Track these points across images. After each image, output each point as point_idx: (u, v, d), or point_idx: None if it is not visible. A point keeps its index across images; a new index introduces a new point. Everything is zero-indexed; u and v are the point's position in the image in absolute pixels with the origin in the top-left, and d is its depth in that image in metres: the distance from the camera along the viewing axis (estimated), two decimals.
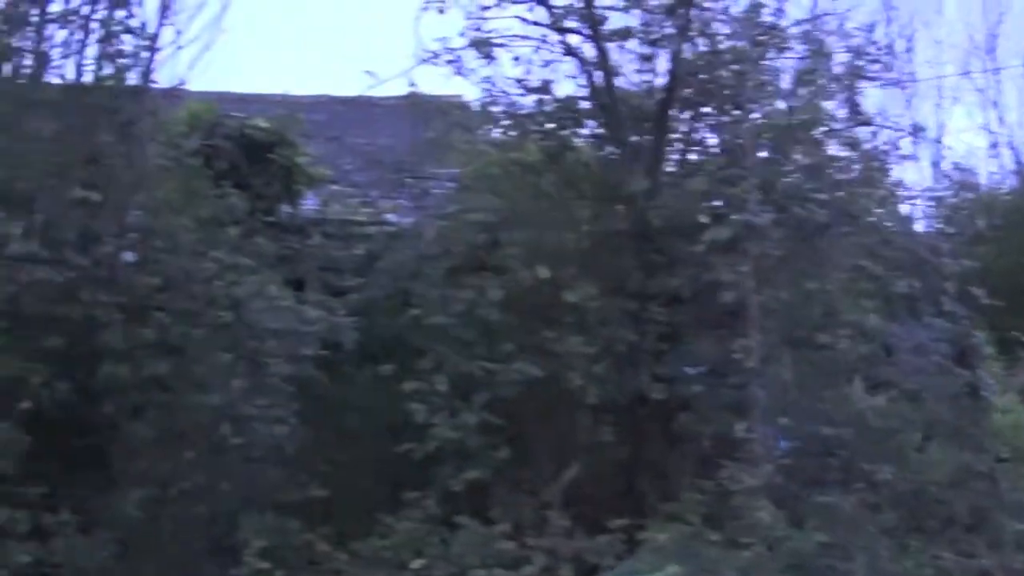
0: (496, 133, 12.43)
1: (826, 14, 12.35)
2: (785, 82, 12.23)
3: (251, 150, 12.43)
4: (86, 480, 10.41)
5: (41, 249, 9.87)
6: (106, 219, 10.57)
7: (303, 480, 10.41)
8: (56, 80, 11.05)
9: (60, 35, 11.03)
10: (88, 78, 11.00)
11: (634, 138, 11.83)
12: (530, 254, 11.10)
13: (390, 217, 12.79)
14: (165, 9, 11.21)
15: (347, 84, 18.95)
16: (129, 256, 10.73)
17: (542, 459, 11.05)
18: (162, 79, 11.30)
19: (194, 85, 11.71)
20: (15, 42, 10.89)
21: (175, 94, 11.54)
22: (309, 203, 12.98)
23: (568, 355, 10.79)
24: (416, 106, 12.18)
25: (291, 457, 10.36)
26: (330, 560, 10.41)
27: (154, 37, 11.17)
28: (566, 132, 12.04)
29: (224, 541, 10.21)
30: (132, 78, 11.11)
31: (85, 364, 10.30)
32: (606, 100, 11.81)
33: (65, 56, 11.03)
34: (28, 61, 10.97)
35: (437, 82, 12.03)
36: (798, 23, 12.17)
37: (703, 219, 10.94)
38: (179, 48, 11.29)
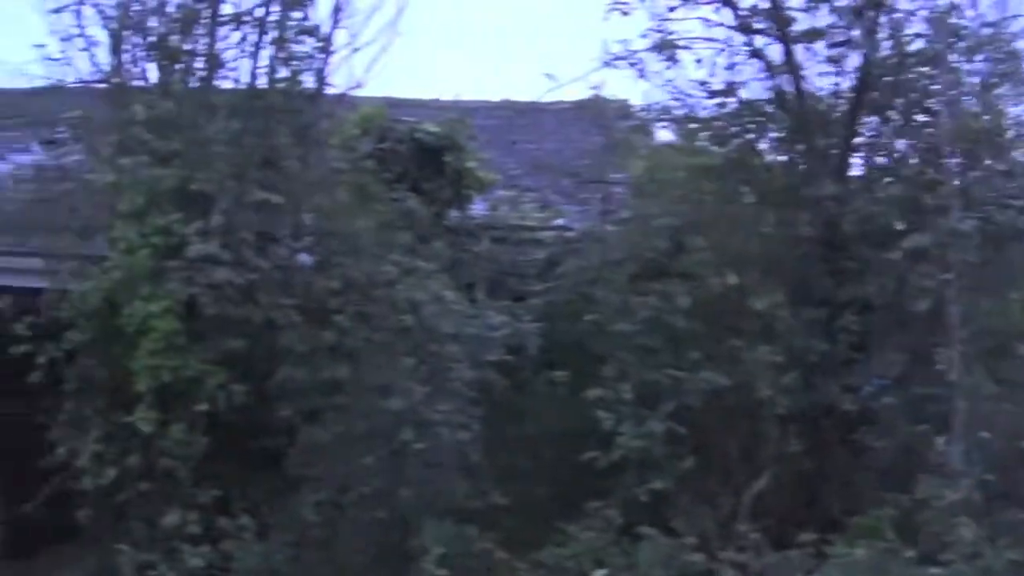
0: (679, 137, 12.11)
1: (1016, 16, 11.88)
2: (974, 85, 11.78)
3: (421, 154, 12.33)
4: (260, 483, 10.31)
5: (221, 251, 9.73)
6: (283, 221, 10.47)
7: (484, 487, 10.15)
8: (229, 83, 11.02)
9: (233, 37, 10.99)
10: (262, 81, 10.92)
11: (821, 142, 11.45)
12: (716, 260, 10.76)
13: (561, 222, 12.59)
14: (338, 11, 11.10)
15: (512, 90, 18.64)
16: (305, 258, 10.61)
17: (727, 469, 10.69)
18: (336, 82, 11.22)
19: (363, 89, 11.59)
20: (188, 45, 10.84)
21: (349, 98, 11.41)
22: (478, 207, 12.81)
23: (755, 364, 10.42)
24: (596, 110, 11.91)
25: (473, 463, 10.12)
26: (509, 569, 10.14)
27: (328, 39, 11.06)
28: (750, 136, 11.69)
29: (400, 547, 10.01)
30: (307, 81, 11.02)
31: (262, 367, 10.21)
32: (792, 103, 11.45)
33: (239, 59, 10.99)
34: (201, 64, 10.92)
35: (617, 85, 11.78)
36: (988, 25, 11.71)
37: (899, 225, 10.55)
38: (354, 51, 11.17)
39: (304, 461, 10.04)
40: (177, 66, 10.79)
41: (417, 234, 10.92)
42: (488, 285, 11.27)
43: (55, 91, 11.26)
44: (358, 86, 11.19)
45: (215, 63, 10.86)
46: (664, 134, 12.23)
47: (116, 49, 10.97)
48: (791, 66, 11.46)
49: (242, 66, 10.91)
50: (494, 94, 15.70)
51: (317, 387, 9.93)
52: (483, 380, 10.27)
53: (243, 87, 10.87)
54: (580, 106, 12.50)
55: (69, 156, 11.33)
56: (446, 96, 15.17)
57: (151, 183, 9.97)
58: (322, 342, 9.92)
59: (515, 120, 14.67)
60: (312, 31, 10.91)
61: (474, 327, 10.35)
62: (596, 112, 12.06)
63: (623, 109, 12.03)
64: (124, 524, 10.43)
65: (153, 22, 10.88)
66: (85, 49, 11.08)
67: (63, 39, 11.10)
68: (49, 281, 10.90)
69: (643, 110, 11.87)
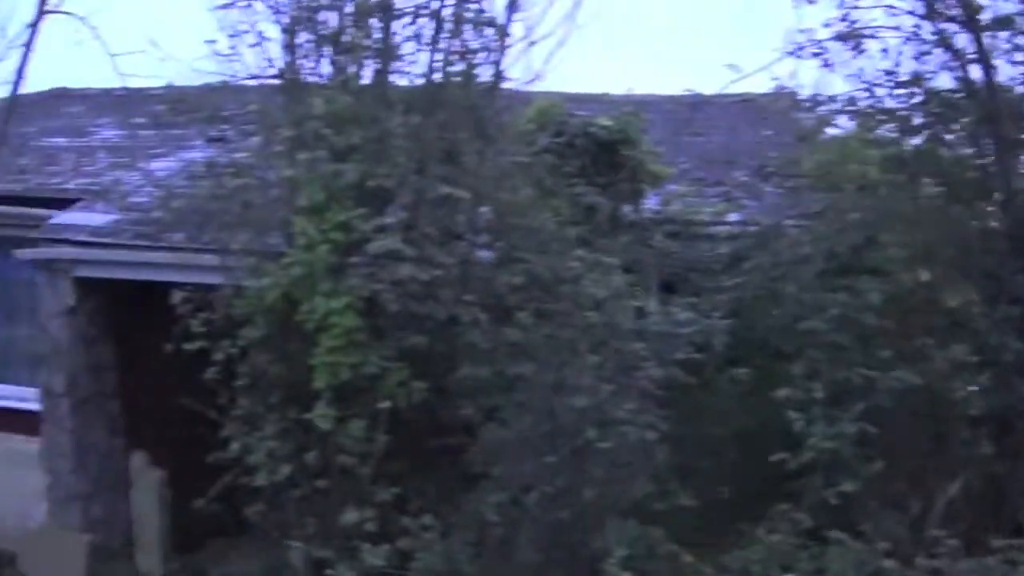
0: (864, 129, 11.74)
1: None
2: None
3: (595, 149, 12.15)
4: (437, 482, 10.18)
5: (404, 247, 9.59)
6: (464, 216, 10.31)
7: (671, 488, 9.90)
8: (405, 77, 10.90)
9: (408, 31, 10.85)
10: (438, 75, 10.78)
11: (1011, 133, 11.02)
12: (907, 255, 10.41)
13: (736, 216, 12.32)
14: (514, 3, 10.92)
15: (683, 83, 18.38)
16: (485, 254, 10.45)
17: (916, 472, 10.34)
18: (513, 75, 11.05)
19: (540, 83, 11.41)
20: (365, 39, 10.72)
21: (526, 91, 11.24)
22: (650, 202, 12.58)
23: (948, 363, 10.05)
24: (778, 101, 11.60)
25: (659, 464, 9.87)
26: (694, 572, 9.89)
27: (505, 32, 10.88)
28: (938, 127, 11.30)
29: (583, 548, 9.81)
30: (483, 74, 10.86)
31: (441, 364, 10.07)
32: (982, 93, 11.03)
33: (415, 52, 10.85)
34: (376, 58, 10.81)
35: (800, 76, 11.44)
36: None
37: None
38: (531, 44, 10.98)
39: (485, 459, 9.87)
40: (352, 61, 10.66)
41: (598, 229, 10.70)
42: (668, 281, 11.02)
43: (223, 88, 11.21)
44: (536, 79, 11.00)
45: (391, 57, 10.72)
46: (847, 125, 11.84)
47: (289, 44, 10.89)
48: (980, 55, 11.03)
49: (418, 60, 10.76)
50: (664, 88, 15.49)
51: (499, 385, 9.74)
52: (669, 378, 9.99)
53: (420, 81, 10.70)
54: (758, 98, 12.15)
55: (239, 152, 11.26)
56: (617, 90, 15.01)
57: (330, 178, 9.85)
58: (505, 339, 9.71)
59: (683, 114, 14.41)
60: (489, 23, 10.73)
61: (660, 324, 10.10)
62: (779, 104, 11.70)
63: (805, 100, 11.67)
64: (295, 520, 10.40)
65: (327, 16, 10.76)
66: (255, 45, 11.03)
67: (232, 35, 11.04)
68: (224, 277, 10.88)
69: (827, 101, 11.49)
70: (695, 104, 14.20)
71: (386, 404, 9.64)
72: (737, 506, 10.39)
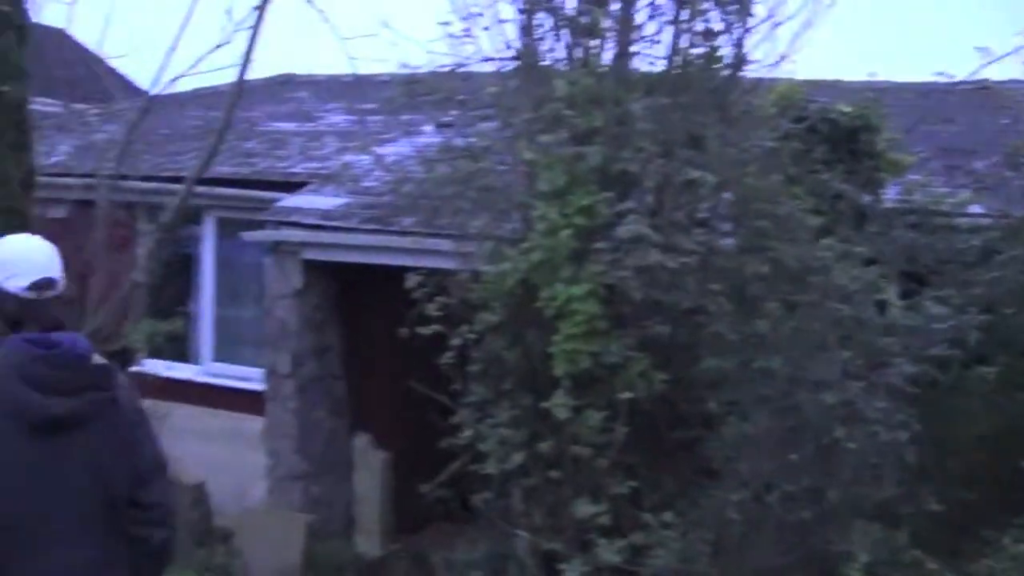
0: None
1: None
2: None
3: (834, 135, 11.75)
4: (674, 476, 9.91)
5: (653, 233, 9.32)
6: (710, 202, 10.02)
7: (919, 492, 9.48)
8: (645, 59, 10.64)
9: (648, 12, 10.58)
10: (679, 56, 10.49)
11: None
12: None
13: (978, 208, 11.81)
14: None
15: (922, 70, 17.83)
16: (728, 242, 10.14)
17: None
18: (756, 58, 10.69)
19: (783, 66, 11.01)
20: (604, 20, 10.48)
21: (770, 74, 10.89)
22: (891, 192, 12.14)
23: None
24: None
25: (908, 466, 9.46)
26: None
27: (747, 12, 10.53)
28: None
29: (824, 551, 9.45)
30: (726, 56, 10.54)
31: (682, 355, 9.79)
32: None
33: (657, 32, 10.58)
34: (617, 39, 10.56)
35: None
36: None
37: None
38: (775, 25, 10.62)
39: (727, 455, 9.56)
40: (593, 42, 10.44)
41: (841, 218, 10.32)
42: (915, 273, 10.58)
43: (455, 72, 11.09)
44: (781, 62, 10.63)
45: (631, 38, 10.47)
46: None
47: (527, 26, 10.70)
48: None
49: (660, 40, 10.49)
50: (905, 75, 14.98)
51: (743, 377, 9.42)
52: (921, 376, 9.57)
53: (661, 62, 10.44)
54: (995, 86, 11.63)
55: (470, 137, 11.12)
56: (853, 77, 14.55)
57: (572, 161, 9.63)
58: (754, 331, 9.39)
59: (922, 102, 13.94)
60: (732, 2, 10.39)
61: (911, 318, 9.68)
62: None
63: None
64: (523, 510, 10.24)
65: None
66: (488, 28, 10.87)
67: (465, 17, 10.90)
68: (458, 262, 10.77)
69: None
70: (934, 92, 13.71)
71: (627, 395, 9.35)
72: (983, 512, 9.89)
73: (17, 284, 5.28)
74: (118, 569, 5.32)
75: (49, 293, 5.34)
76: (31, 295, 5.29)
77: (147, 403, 13.88)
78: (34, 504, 5.07)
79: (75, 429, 5.13)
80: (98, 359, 5.30)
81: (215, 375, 15.84)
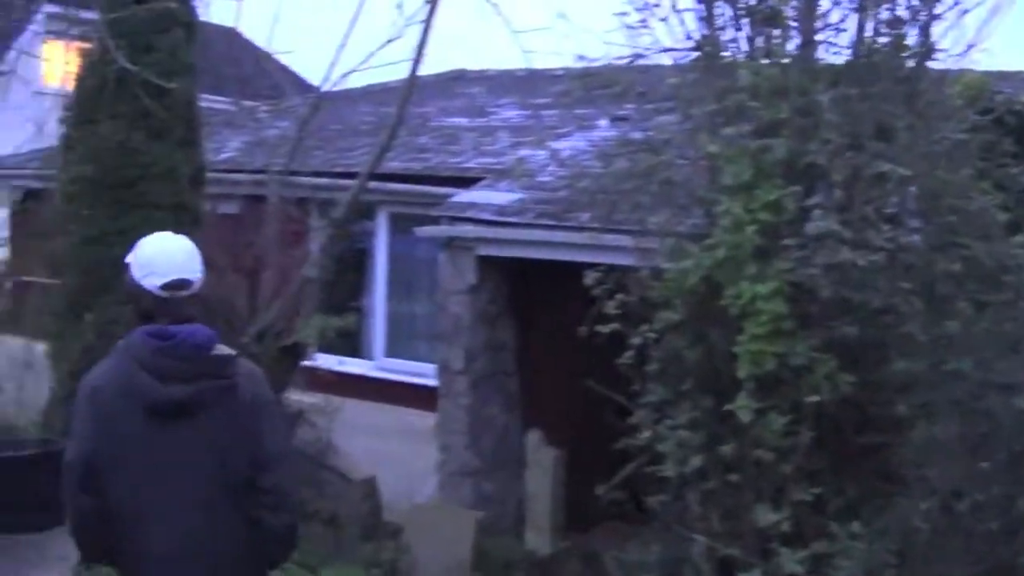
0: None
1: None
2: None
3: (1020, 128, 11.31)
4: (859, 482, 9.57)
5: (843, 229, 8.99)
6: (900, 197, 9.66)
7: None
8: (830, 48, 10.32)
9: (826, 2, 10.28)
10: (864, 45, 10.15)
11: None
12: None
13: None
14: None
15: None
16: (916, 238, 9.77)
17: None
18: (944, 47, 10.30)
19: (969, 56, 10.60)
20: (787, 9, 10.18)
21: (958, 64, 10.48)
22: None
23: None
24: None
25: None
26: None
27: (933, 0, 10.15)
28: None
29: (1012, 564, 9.04)
30: (913, 45, 10.17)
31: (870, 356, 9.44)
32: None
33: (842, 21, 10.26)
34: (801, 28, 10.27)
35: None
36: None
37: None
38: (963, 12, 10.22)
39: (915, 461, 9.20)
40: (775, 31, 10.15)
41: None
42: None
43: (632, 65, 10.87)
44: (969, 51, 10.23)
45: (815, 27, 10.16)
46: None
47: (707, 16, 10.45)
48: None
49: (846, 29, 10.17)
50: None
51: (935, 381, 9.05)
52: None
53: (846, 51, 10.12)
54: None
55: (647, 130, 10.90)
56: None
57: (757, 154, 9.34)
58: (946, 332, 9.02)
59: None
60: None
61: None
62: None
63: None
64: (700, 514, 9.99)
65: None
66: (666, 18, 10.64)
67: (641, 8, 10.69)
68: (637, 258, 10.55)
69: None
70: None
71: (813, 398, 9.04)
72: None
73: (153, 283, 5.54)
74: (223, 543, 5.52)
75: (182, 293, 5.59)
76: (165, 294, 5.56)
77: (319, 398, 14.07)
78: (152, 479, 5.39)
79: (194, 414, 5.42)
80: (221, 349, 5.55)
81: (387, 370, 15.89)
